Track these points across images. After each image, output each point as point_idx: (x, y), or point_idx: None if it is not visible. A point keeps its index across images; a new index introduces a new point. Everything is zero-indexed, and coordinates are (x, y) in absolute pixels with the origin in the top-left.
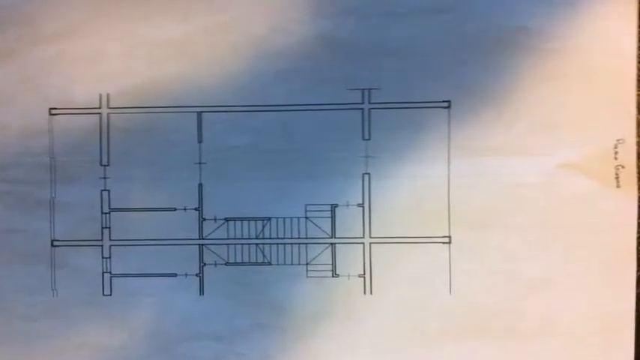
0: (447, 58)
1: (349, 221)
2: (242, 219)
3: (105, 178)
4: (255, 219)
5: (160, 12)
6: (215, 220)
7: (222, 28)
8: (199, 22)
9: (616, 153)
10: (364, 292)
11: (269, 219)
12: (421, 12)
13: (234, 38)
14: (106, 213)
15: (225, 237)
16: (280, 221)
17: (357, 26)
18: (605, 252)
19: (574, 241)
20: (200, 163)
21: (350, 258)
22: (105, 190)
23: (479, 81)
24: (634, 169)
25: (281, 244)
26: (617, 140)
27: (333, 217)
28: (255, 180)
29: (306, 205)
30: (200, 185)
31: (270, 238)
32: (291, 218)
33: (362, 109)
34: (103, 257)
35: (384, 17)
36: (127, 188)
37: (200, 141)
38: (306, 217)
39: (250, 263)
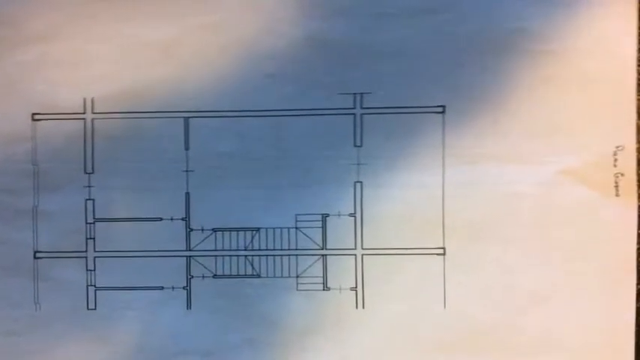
0: (441, 60)
1: (341, 232)
2: (230, 229)
3: (89, 186)
4: (244, 229)
5: (147, 12)
6: (202, 230)
7: (211, 30)
8: (187, 23)
9: (615, 160)
10: (356, 306)
11: (258, 229)
12: (414, 12)
13: (222, 40)
14: (90, 223)
15: (213, 248)
16: (270, 232)
17: (349, 27)
18: (605, 264)
19: (572, 252)
20: (187, 171)
21: (341, 270)
22: (89, 199)
23: (474, 85)
24: (634, 177)
25: (270, 255)
26: (617, 147)
27: (324, 228)
28: (243, 188)
29: (297, 214)
30: (187, 194)
31: (259, 250)
32: (281, 229)
33: (354, 114)
34: (87, 269)
35: (375, 18)
36: (112, 197)
37: (187, 148)
38: (297, 228)
39: (239, 276)
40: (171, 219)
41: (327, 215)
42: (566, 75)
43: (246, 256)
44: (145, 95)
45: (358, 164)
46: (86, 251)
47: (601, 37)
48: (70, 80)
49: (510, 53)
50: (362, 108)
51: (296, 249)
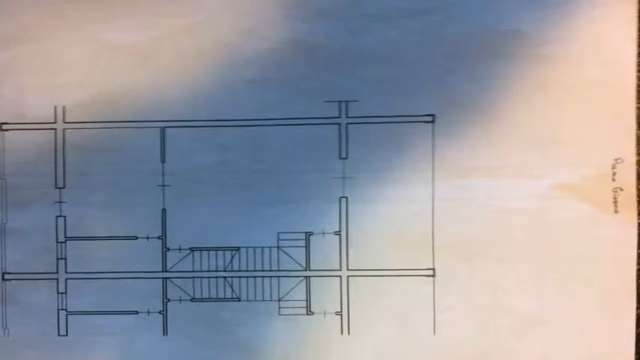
0: (430, 66)
1: (325, 251)
2: (209, 249)
3: (60, 202)
4: (224, 249)
5: (121, 15)
6: (180, 250)
7: (189, 33)
8: (164, 26)
9: (614, 174)
10: (341, 332)
11: (238, 249)
12: (401, 14)
13: (201, 44)
14: (61, 242)
15: (191, 269)
16: (250, 251)
17: (333, 30)
18: (603, 286)
19: (568, 273)
20: (163, 186)
21: (326, 293)
22: (60, 215)
23: (465, 92)
24: (634, 192)
25: (251, 277)
26: (616, 159)
27: (307, 247)
28: (222, 205)
29: (279, 233)
30: (163, 211)
31: (239, 271)
32: (262, 248)
33: (339, 123)
34: (58, 292)
35: (362, 20)
36: (84, 214)
37: (163, 160)
38: (279, 247)
39: (218, 299)
40: (147, 237)
41: (311, 233)
42: (563, 82)
43: (225, 277)
44: (120, 103)
45: (343, 178)
46: (57, 272)
47: (599, 42)
48: (40, 87)
49: (504, 58)
50: (347, 117)
51: (278, 270)
